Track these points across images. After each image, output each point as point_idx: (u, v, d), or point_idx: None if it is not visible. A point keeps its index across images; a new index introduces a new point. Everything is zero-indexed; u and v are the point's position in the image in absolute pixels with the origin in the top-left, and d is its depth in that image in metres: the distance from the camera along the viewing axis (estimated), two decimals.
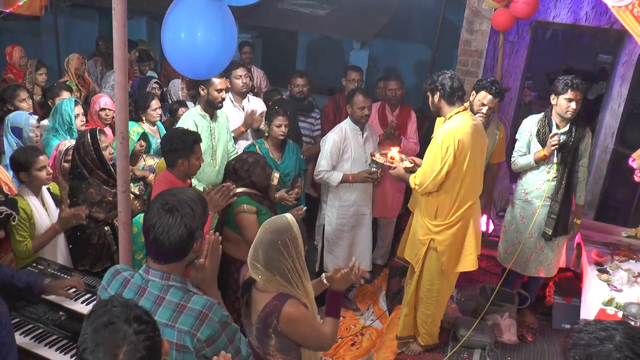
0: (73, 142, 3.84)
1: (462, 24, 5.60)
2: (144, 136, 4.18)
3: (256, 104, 4.90)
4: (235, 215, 3.44)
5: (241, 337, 2.02)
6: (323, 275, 2.56)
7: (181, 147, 3.31)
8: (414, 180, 3.52)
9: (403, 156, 3.98)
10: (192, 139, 3.37)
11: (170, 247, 1.84)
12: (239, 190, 3.47)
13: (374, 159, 3.98)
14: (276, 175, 3.75)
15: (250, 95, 4.97)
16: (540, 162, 3.94)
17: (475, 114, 3.91)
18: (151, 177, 4.11)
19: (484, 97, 3.92)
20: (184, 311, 1.85)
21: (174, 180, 3.34)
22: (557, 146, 3.81)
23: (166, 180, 3.33)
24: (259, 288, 2.28)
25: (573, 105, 3.79)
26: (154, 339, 1.44)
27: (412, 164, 3.86)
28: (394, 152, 3.98)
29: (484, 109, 3.93)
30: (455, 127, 3.35)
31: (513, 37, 5.77)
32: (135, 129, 4.11)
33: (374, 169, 4.31)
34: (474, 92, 4.01)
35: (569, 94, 3.78)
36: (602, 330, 1.49)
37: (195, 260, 2.06)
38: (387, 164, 3.87)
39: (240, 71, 4.71)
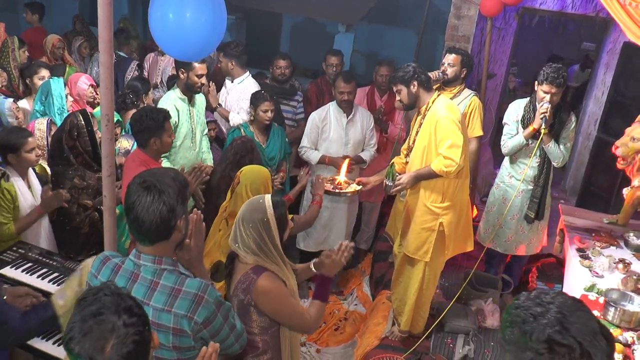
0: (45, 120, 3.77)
1: (449, 9, 5.58)
2: (118, 123, 4.11)
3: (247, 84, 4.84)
4: None
5: (235, 314, 2.05)
6: (312, 263, 2.59)
7: (152, 126, 3.23)
8: (443, 163, 3.28)
9: (349, 180, 3.87)
10: (162, 116, 3.29)
11: (151, 225, 1.81)
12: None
13: (326, 189, 3.65)
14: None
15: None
16: (529, 137, 3.89)
17: None
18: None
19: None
20: (180, 295, 1.85)
21: (148, 160, 3.25)
22: (546, 114, 3.74)
23: (140, 160, 3.24)
24: (240, 259, 2.34)
25: (547, 98, 3.75)
26: (143, 334, 1.41)
27: (361, 186, 3.80)
28: (342, 175, 3.85)
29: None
30: (449, 103, 3.46)
31: (500, 23, 5.76)
32: None
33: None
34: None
35: (545, 87, 3.75)
36: (538, 305, 1.40)
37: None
38: (337, 190, 3.73)
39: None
